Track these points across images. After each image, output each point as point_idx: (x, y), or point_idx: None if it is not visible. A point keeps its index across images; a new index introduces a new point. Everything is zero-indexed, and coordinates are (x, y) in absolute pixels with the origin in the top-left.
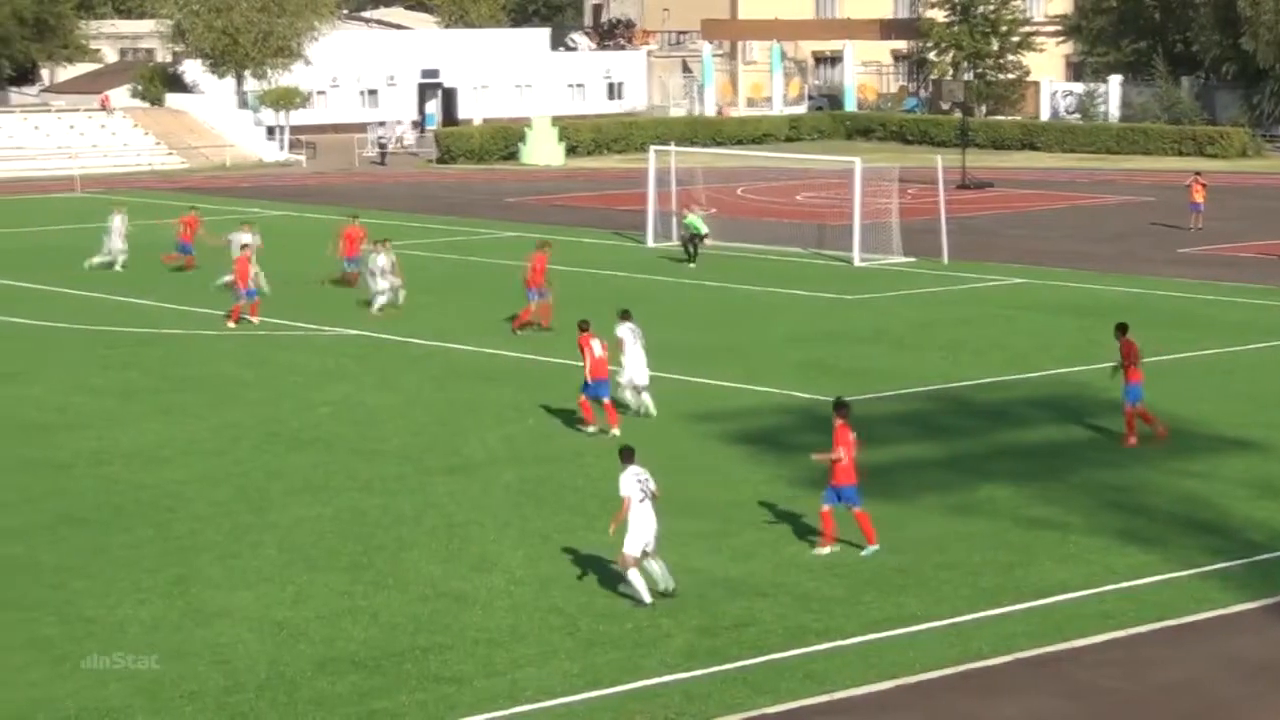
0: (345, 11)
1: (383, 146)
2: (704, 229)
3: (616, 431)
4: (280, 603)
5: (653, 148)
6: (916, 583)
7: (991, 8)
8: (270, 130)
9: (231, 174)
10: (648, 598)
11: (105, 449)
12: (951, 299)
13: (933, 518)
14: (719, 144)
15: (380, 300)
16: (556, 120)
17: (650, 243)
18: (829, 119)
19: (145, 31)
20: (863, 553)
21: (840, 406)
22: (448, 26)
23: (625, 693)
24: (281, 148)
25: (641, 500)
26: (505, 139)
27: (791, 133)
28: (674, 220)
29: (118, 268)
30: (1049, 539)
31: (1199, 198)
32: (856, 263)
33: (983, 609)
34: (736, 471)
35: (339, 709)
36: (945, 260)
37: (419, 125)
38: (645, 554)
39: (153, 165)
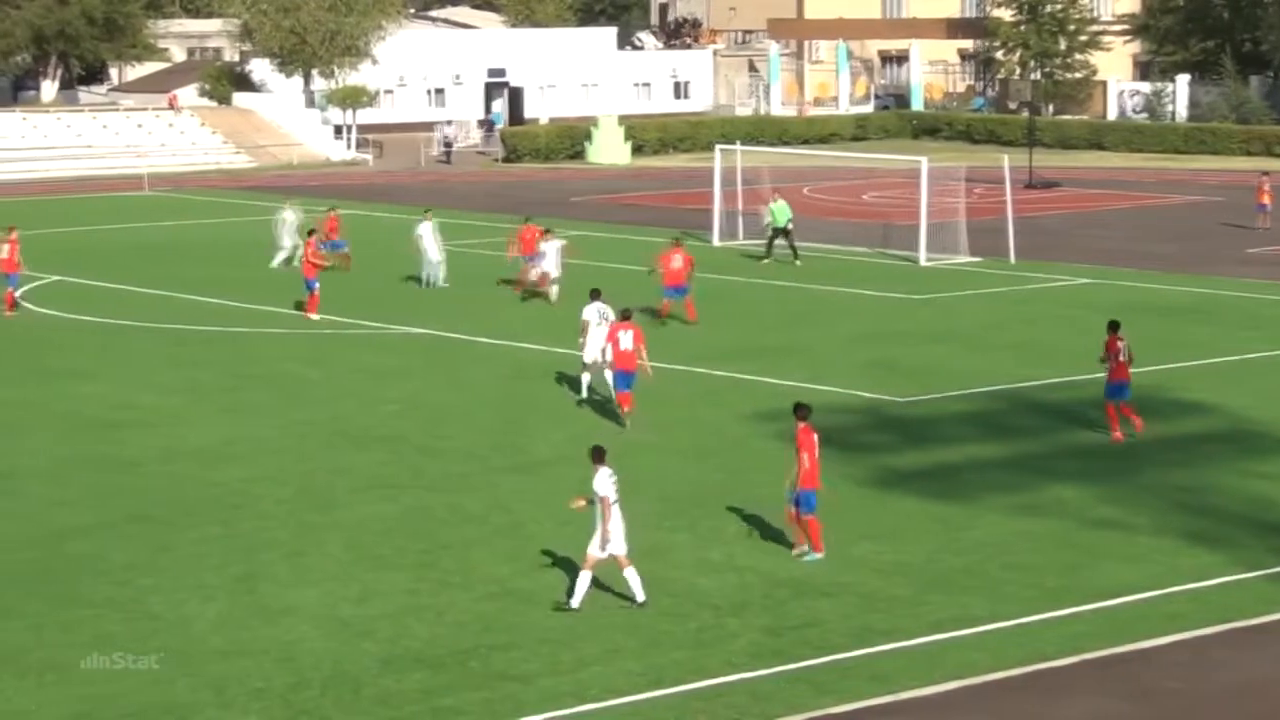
0: (412, 10)
1: (448, 145)
2: (784, 220)
3: (628, 423)
4: (346, 600)
5: (718, 147)
6: (982, 583)
7: (1059, 7)
8: (337, 129)
9: (298, 173)
10: (577, 603)
11: (173, 447)
12: (1018, 299)
13: (998, 518)
14: (785, 143)
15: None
16: (622, 119)
17: (716, 241)
18: (895, 118)
19: (213, 31)
20: (804, 557)
21: (800, 410)
22: (514, 25)
23: (689, 692)
24: (348, 147)
25: (616, 502)
26: (571, 138)
27: (858, 132)
28: (762, 211)
29: (295, 263)
30: (1115, 540)
31: (1266, 198)
32: (922, 262)
33: (1048, 610)
34: None
35: (404, 707)
36: (1012, 260)
37: (486, 124)
38: (614, 558)
39: (220, 164)
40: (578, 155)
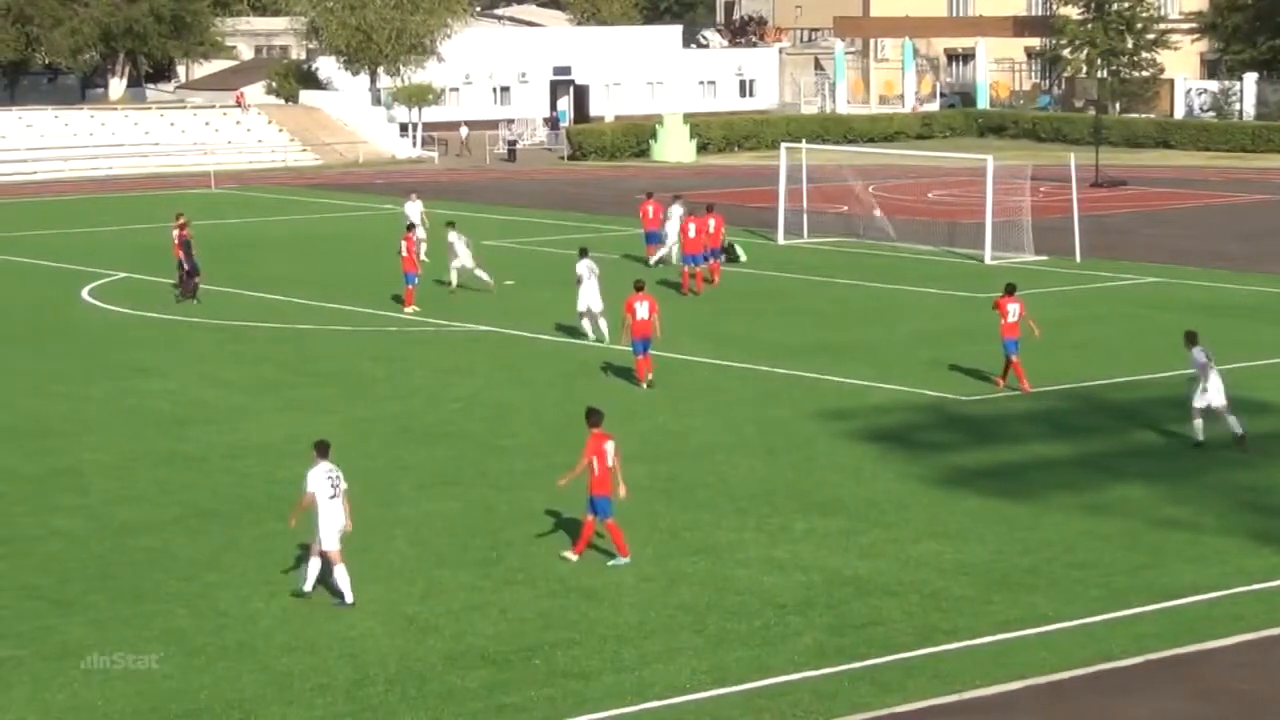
0: (478, 9)
1: (512, 143)
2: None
3: (645, 385)
4: (410, 597)
5: (784, 145)
6: (1047, 583)
7: (1126, 5)
8: (403, 127)
9: (364, 170)
10: (308, 589)
11: (238, 443)
12: (1084, 298)
13: (1064, 517)
14: (850, 141)
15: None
16: (688, 117)
17: (781, 240)
18: (961, 116)
19: (280, 29)
20: (610, 562)
21: (592, 416)
22: (580, 23)
23: (753, 690)
24: (414, 144)
25: (331, 497)
26: (637, 136)
27: (923, 130)
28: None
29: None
30: (1181, 540)
31: None
32: (988, 261)
33: (1114, 610)
34: (866, 469)
35: (468, 703)
36: (1078, 259)
37: (552, 122)
38: (333, 554)
39: (286, 162)
40: (643, 153)
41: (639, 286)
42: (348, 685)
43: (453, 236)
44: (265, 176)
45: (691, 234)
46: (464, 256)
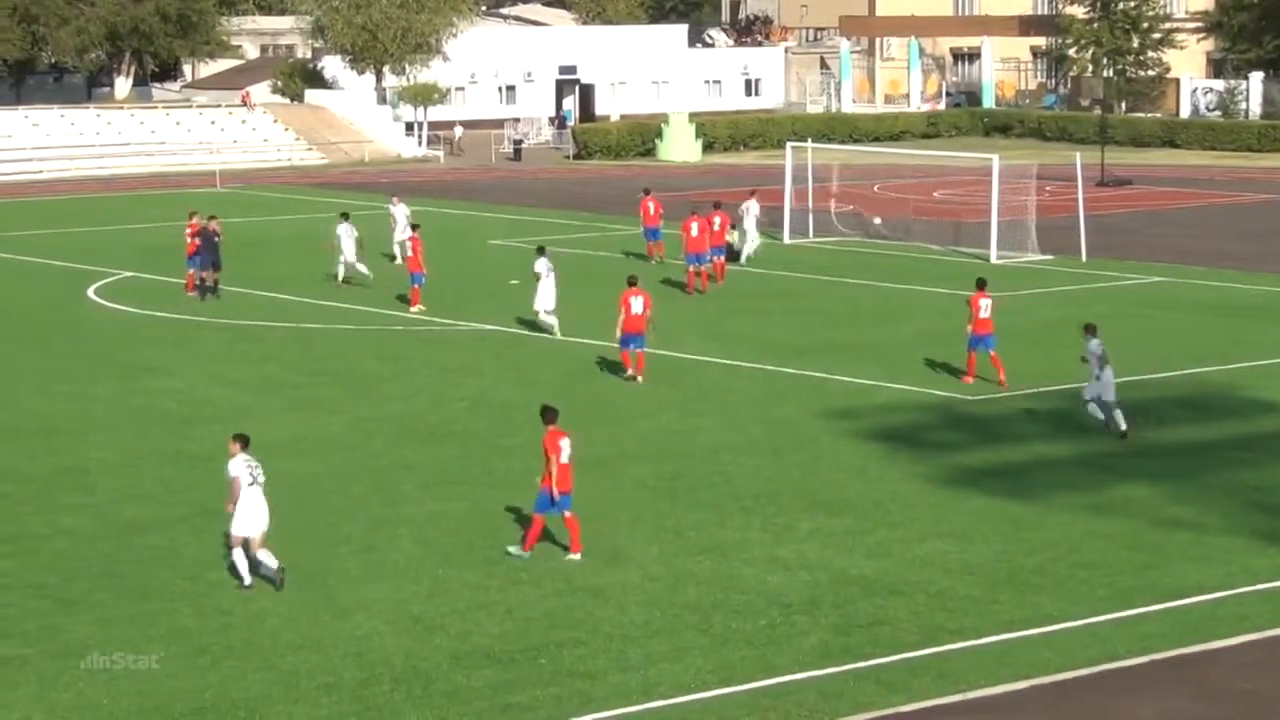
0: (483, 8)
1: (518, 142)
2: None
3: (640, 379)
4: (416, 596)
5: (789, 144)
6: (1052, 583)
7: (1132, 4)
8: (409, 126)
9: (370, 169)
10: (248, 579)
11: None
12: (1089, 297)
13: (1068, 517)
14: (856, 141)
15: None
16: (693, 117)
17: (787, 239)
18: (967, 116)
19: (286, 28)
20: (566, 556)
21: (547, 413)
22: (585, 23)
23: (758, 690)
24: (419, 144)
25: (250, 485)
26: (642, 135)
27: (929, 129)
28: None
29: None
30: (1186, 539)
31: None
32: (993, 260)
33: (1118, 610)
34: (872, 468)
35: (474, 703)
36: (1083, 258)
37: (558, 121)
38: (249, 541)
39: (292, 161)
40: (648, 152)
41: (632, 282)
42: (354, 684)
43: (342, 229)
44: (271, 175)
45: (694, 232)
46: (348, 249)
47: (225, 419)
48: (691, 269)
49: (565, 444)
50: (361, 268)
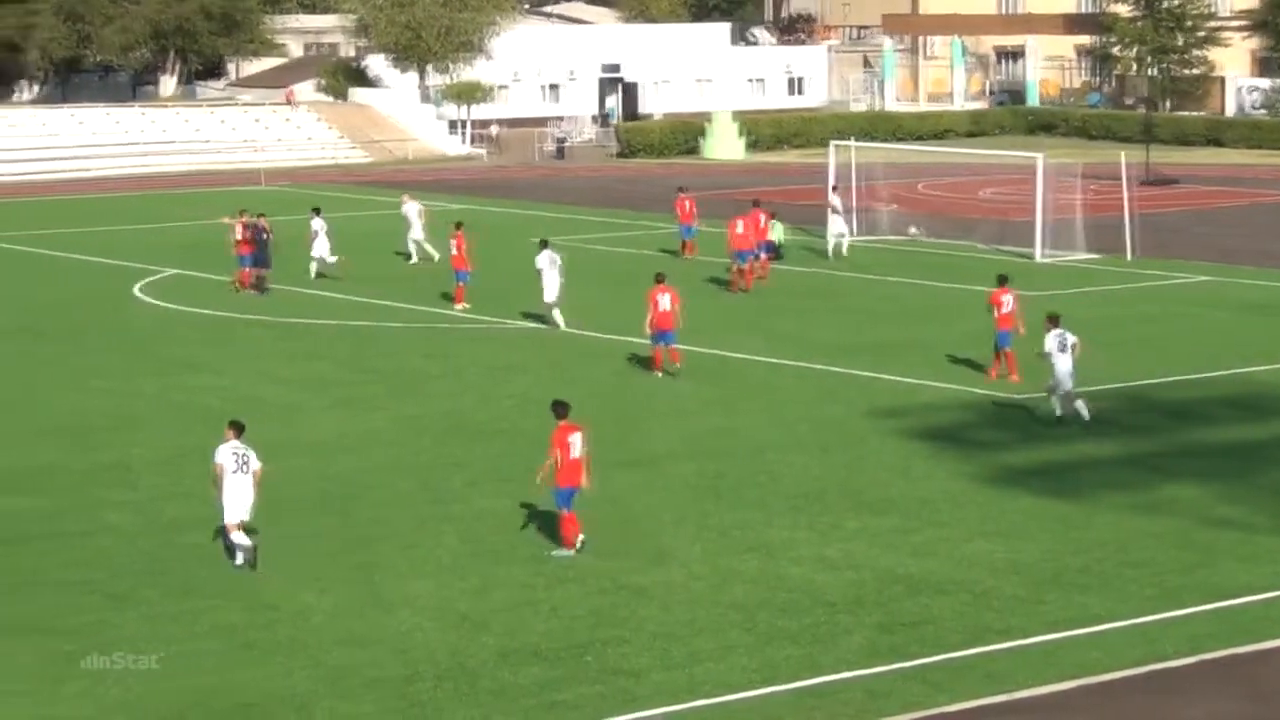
0: (527, 6)
1: (561, 141)
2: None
3: (678, 366)
4: (462, 593)
5: (833, 143)
6: (1099, 582)
7: (1177, 3)
8: (452, 124)
9: (413, 168)
10: (239, 560)
11: (290, 439)
12: (1136, 296)
13: (1116, 516)
14: (899, 139)
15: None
16: (737, 115)
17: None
18: (1011, 114)
19: (330, 27)
20: (552, 552)
21: (557, 407)
22: (628, 21)
23: (803, 689)
24: (463, 142)
25: (235, 472)
26: (686, 134)
27: (973, 128)
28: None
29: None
30: (1234, 539)
31: None
32: (1039, 259)
33: (1167, 610)
34: (918, 467)
35: (519, 700)
36: (1130, 257)
37: (602, 119)
38: (240, 525)
39: (336, 159)
40: (692, 151)
41: (659, 278)
42: (399, 680)
43: (316, 224)
44: (315, 174)
45: (740, 230)
46: (320, 245)
47: (270, 416)
48: (736, 266)
49: (576, 439)
50: (331, 260)
